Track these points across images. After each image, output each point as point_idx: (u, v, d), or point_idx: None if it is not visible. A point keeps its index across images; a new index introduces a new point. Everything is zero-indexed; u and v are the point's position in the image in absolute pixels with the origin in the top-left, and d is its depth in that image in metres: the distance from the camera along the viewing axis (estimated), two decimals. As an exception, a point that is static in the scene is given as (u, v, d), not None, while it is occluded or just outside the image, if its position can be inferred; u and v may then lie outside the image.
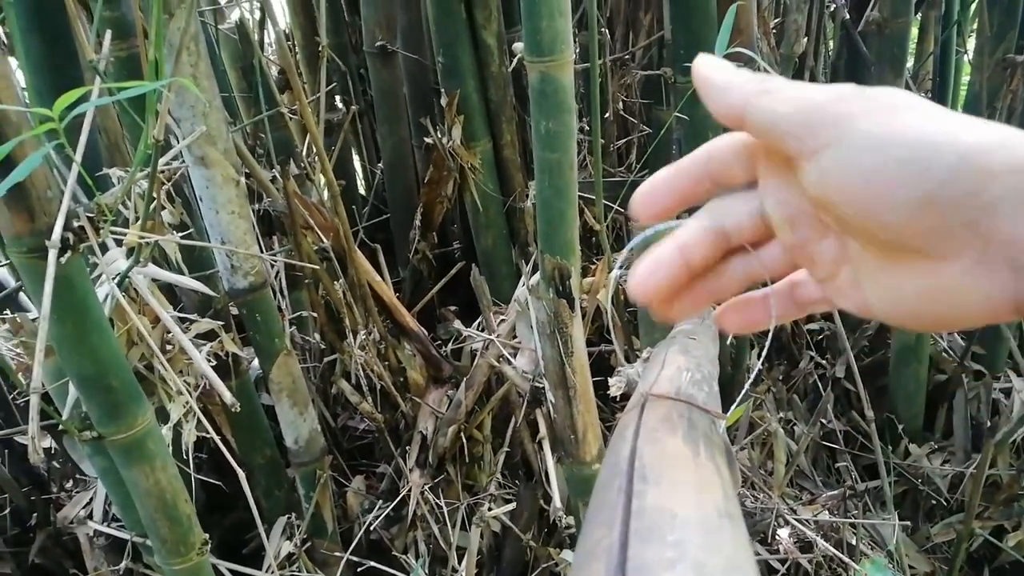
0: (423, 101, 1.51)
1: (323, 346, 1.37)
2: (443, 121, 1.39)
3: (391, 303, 1.29)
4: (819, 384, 1.72)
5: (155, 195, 0.87)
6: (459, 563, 1.25)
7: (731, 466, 0.41)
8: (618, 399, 0.91)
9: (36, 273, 0.70)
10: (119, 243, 0.85)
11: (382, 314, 1.29)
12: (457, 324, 1.44)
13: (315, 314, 1.35)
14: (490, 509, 1.27)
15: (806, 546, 1.36)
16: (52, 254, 0.68)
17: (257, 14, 1.40)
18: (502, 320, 1.33)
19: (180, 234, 1.03)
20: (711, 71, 0.34)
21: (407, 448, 1.33)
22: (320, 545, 1.23)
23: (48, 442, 1.26)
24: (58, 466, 1.30)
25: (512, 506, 1.28)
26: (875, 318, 0.33)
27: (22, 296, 1.23)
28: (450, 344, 1.44)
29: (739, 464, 1.47)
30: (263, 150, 1.37)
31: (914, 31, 1.77)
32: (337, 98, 1.66)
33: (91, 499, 1.20)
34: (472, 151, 1.40)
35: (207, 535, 0.94)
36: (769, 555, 1.34)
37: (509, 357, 1.27)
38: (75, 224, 0.73)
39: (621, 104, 1.65)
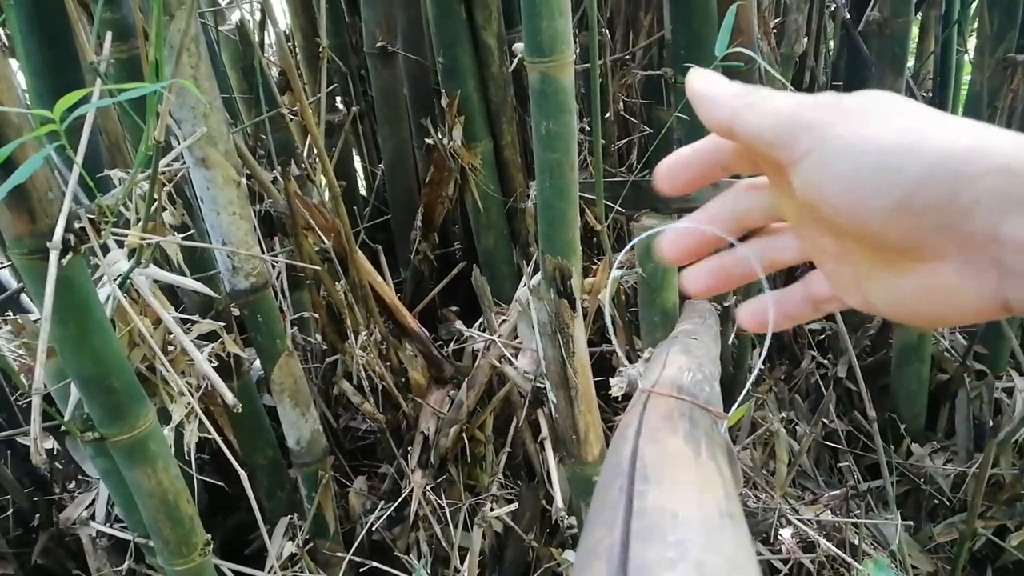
0: (424, 102, 1.51)
1: (324, 347, 1.37)
2: (444, 122, 1.39)
3: (392, 304, 1.29)
4: (821, 384, 1.72)
5: (156, 196, 0.87)
6: (461, 563, 1.25)
7: (733, 466, 0.41)
8: (620, 399, 0.91)
9: (37, 274, 0.70)
10: (120, 244, 0.85)
11: (383, 315, 1.29)
12: (458, 324, 1.44)
13: (316, 315, 1.35)
14: (492, 509, 1.27)
15: (808, 546, 1.36)
16: (53, 255, 0.68)
17: (257, 15, 1.40)
18: (503, 320, 1.33)
19: (181, 235, 1.03)
20: (700, 84, 0.35)
21: (409, 448, 1.33)
22: (322, 546, 1.23)
23: (50, 443, 1.26)
24: (60, 467, 1.30)
25: (514, 506, 1.28)
26: (878, 314, 0.34)
27: (24, 297, 1.23)
28: (451, 344, 1.44)
29: (741, 464, 1.47)
30: (264, 151, 1.37)
31: (915, 31, 1.77)
32: (338, 99, 1.66)
33: (93, 500, 1.20)
34: (473, 152, 1.40)
35: (209, 536, 0.95)
36: (771, 555, 1.34)
37: (510, 357, 1.27)
38: (76, 225, 0.73)
39: (622, 104, 1.65)
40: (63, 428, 0.88)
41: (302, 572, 1.16)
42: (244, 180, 1.01)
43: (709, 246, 0.38)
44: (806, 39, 1.51)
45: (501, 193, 1.47)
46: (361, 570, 1.24)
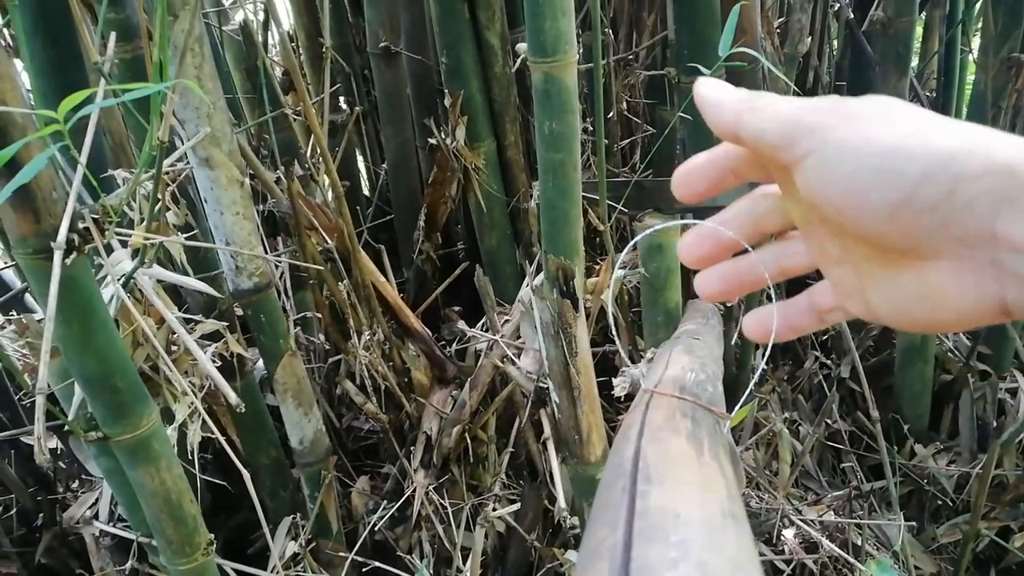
0: (427, 102, 1.51)
1: (327, 347, 1.37)
2: (447, 122, 1.39)
3: (395, 304, 1.29)
4: (824, 384, 1.72)
5: (160, 196, 0.87)
6: (463, 563, 1.25)
7: (735, 466, 0.41)
8: (622, 399, 0.91)
9: (42, 274, 0.70)
10: (124, 244, 0.85)
11: (386, 315, 1.29)
12: (461, 324, 1.44)
13: (319, 315, 1.35)
14: (494, 509, 1.27)
15: (811, 547, 1.36)
16: (57, 255, 0.68)
17: (261, 15, 1.40)
18: (506, 320, 1.33)
19: (185, 235, 1.03)
20: (707, 90, 0.36)
21: (411, 448, 1.33)
22: (325, 545, 1.23)
23: (54, 442, 1.26)
24: (64, 466, 1.30)
25: (516, 506, 1.28)
26: (880, 322, 0.34)
27: (28, 297, 1.24)
28: (454, 344, 1.44)
29: (744, 464, 1.47)
30: (267, 151, 1.37)
31: (919, 30, 1.76)
32: (341, 99, 1.66)
33: (97, 499, 1.20)
34: (476, 152, 1.40)
35: (212, 535, 0.95)
36: (774, 556, 1.34)
37: (513, 357, 1.27)
38: (80, 225, 0.73)
39: (625, 104, 1.65)
40: (67, 427, 0.88)
41: (305, 572, 1.16)
42: (247, 180, 1.02)
43: (726, 251, 0.39)
44: (810, 39, 1.51)
45: (504, 193, 1.47)
46: (364, 570, 1.24)
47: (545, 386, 1.20)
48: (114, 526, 1.15)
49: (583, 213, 0.99)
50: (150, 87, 0.62)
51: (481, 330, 1.37)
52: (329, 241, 1.21)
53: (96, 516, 1.18)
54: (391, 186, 1.66)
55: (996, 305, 0.29)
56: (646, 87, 1.66)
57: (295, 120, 1.33)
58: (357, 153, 1.78)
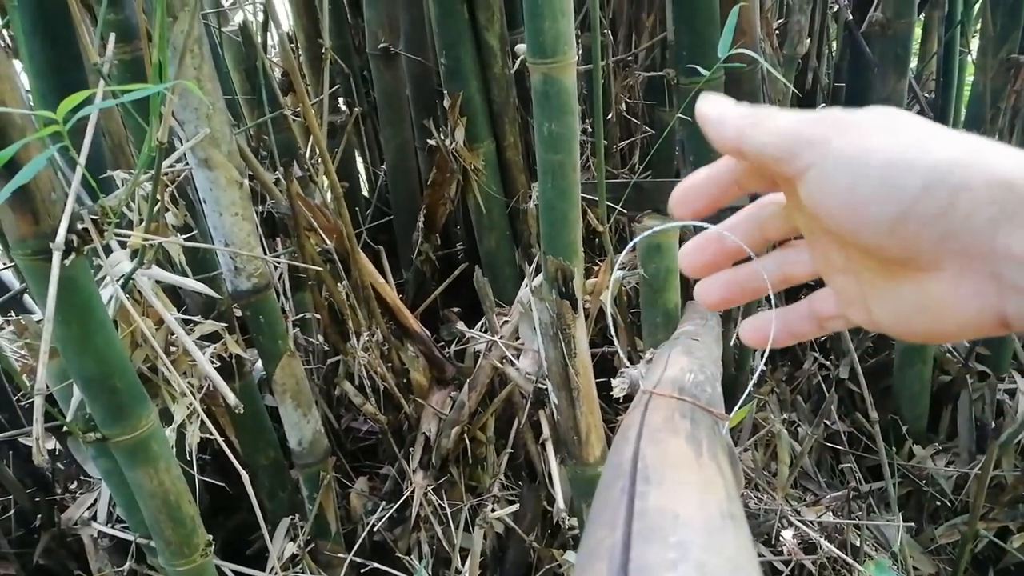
0: (426, 103, 1.51)
1: (326, 348, 1.37)
2: (446, 123, 1.39)
3: (394, 305, 1.29)
4: (823, 385, 1.72)
5: (159, 197, 0.87)
6: (462, 564, 1.25)
7: (734, 467, 0.41)
8: (621, 400, 0.91)
9: (40, 275, 0.70)
10: (123, 245, 0.85)
11: (385, 316, 1.29)
12: (460, 325, 1.44)
13: (318, 316, 1.35)
14: (493, 510, 1.27)
15: (810, 547, 1.36)
16: (56, 256, 0.68)
17: (260, 16, 1.40)
18: (505, 321, 1.33)
19: (184, 236, 1.03)
20: (708, 107, 0.36)
21: (410, 449, 1.33)
22: (323, 546, 1.23)
23: (52, 443, 1.26)
24: (62, 467, 1.30)
25: (515, 507, 1.28)
26: (882, 331, 0.35)
27: (27, 298, 1.24)
28: (453, 345, 1.44)
29: (742, 465, 1.47)
30: (267, 152, 1.37)
31: (917, 31, 1.76)
32: (340, 100, 1.66)
33: (95, 500, 1.20)
34: (475, 153, 1.40)
35: (211, 536, 0.95)
36: (773, 556, 1.34)
37: (512, 358, 1.27)
38: (79, 226, 0.73)
39: (624, 105, 1.65)
40: (65, 428, 0.88)
41: (303, 573, 1.16)
42: (247, 181, 1.02)
43: (728, 259, 0.39)
44: (808, 40, 1.51)
45: (503, 194, 1.47)
46: (362, 571, 1.24)
47: (544, 387, 1.20)
48: (112, 527, 1.15)
49: (582, 214, 0.99)
50: (149, 88, 0.62)
51: (480, 331, 1.37)
52: (328, 242, 1.21)
53: (94, 517, 1.18)
54: (390, 187, 1.66)
55: (995, 317, 0.29)
56: (645, 88, 1.67)
57: (294, 121, 1.33)
58: (356, 154, 1.78)
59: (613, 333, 0.50)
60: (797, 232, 0.38)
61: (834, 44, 1.92)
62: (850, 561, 1.33)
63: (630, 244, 0.50)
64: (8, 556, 1.26)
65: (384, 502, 1.32)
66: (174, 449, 0.92)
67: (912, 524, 1.60)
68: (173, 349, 0.96)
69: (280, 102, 1.24)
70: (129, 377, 0.82)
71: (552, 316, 0.96)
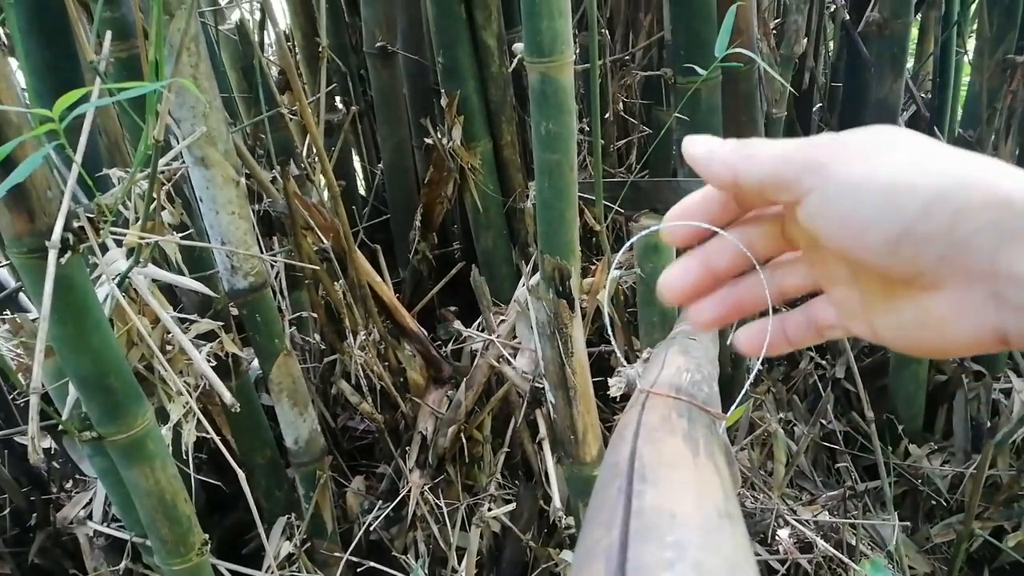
0: (423, 102, 1.51)
1: (323, 346, 1.37)
2: (443, 122, 1.39)
3: (391, 304, 1.29)
4: (819, 385, 1.72)
5: (155, 196, 0.87)
6: (459, 563, 1.25)
7: (731, 466, 0.41)
8: (618, 399, 0.91)
9: (36, 273, 0.70)
10: (119, 243, 0.85)
11: (382, 315, 1.29)
12: (457, 324, 1.44)
13: (315, 315, 1.35)
14: (490, 509, 1.27)
15: (806, 546, 1.36)
16: (52, 254, 0.68)
17: (257, 15, 1.40)
18: (502, 321, 1.33)
19: (180, 235, 1.03)
20: (695, 147, 0.36)
21: (407, 448, 1.33)
22: (320, 545, 1.23)
23: (48, 442, 1.26)
24: (58, 466, 1.30)
25: (512, 506, 1.28)
26: (883, 344, 0.35)
27: (22, 296, 1.23)
28: (450, 344, 1.44)
29: (739, 464, 1.47)
30: (263, 151, 1.37)
31: (914, 32, 1.77)
32: (337, 99, 1.66)
33: (91, 499, 1.20)
34: (472, 152, 1.40)
35: (207, 535, 0.95)
36: (769, 555, 1.34)
37: (509, 358, 1.27)
38: (75, 224, 0.73)
39: (621, 105, 1.65)
40: (61, 427, 0.88)
41: (299, 572, 1.16)
42: (243, 179, 1.01)
43: (714, 282, 0.39)
44: (806, 40, 1.51)
45: (500, 193, 1.47)
46: (359, 570, 1.24)
47: (541, 386, 1.20)
48: (108, 526, 1.15)
49: (579, 213, 0.99)
50: (146, 86, 0.62)
51: (477, 330, 1.37)
52: (325, 241, 1.21)
53: (90, 516, 1.18)
54: (387, 186, 1.66)
55: (995, 334, 0.29)
56: (642, 87, 1.67)
57: (291, 120, 1.33)
58: (353, 153, 1.78)
59: (610, 332, 0.50)
60: (789, 249, 0.38)
61: (831, 44, 1.92)
62: (846, 560, 1.33)
63: (627, 243, 0.50)
64: (3, 555, 1.26)
65: (380, 501, 1.32)
66: (170, 448, 0.91)
67: (908, 523, 1.61)
68: (169, 348, 0.96)
69: (277, 100, 1.24)
70: (125, 376, 0.82)
71: (549, 315, 0.96)
